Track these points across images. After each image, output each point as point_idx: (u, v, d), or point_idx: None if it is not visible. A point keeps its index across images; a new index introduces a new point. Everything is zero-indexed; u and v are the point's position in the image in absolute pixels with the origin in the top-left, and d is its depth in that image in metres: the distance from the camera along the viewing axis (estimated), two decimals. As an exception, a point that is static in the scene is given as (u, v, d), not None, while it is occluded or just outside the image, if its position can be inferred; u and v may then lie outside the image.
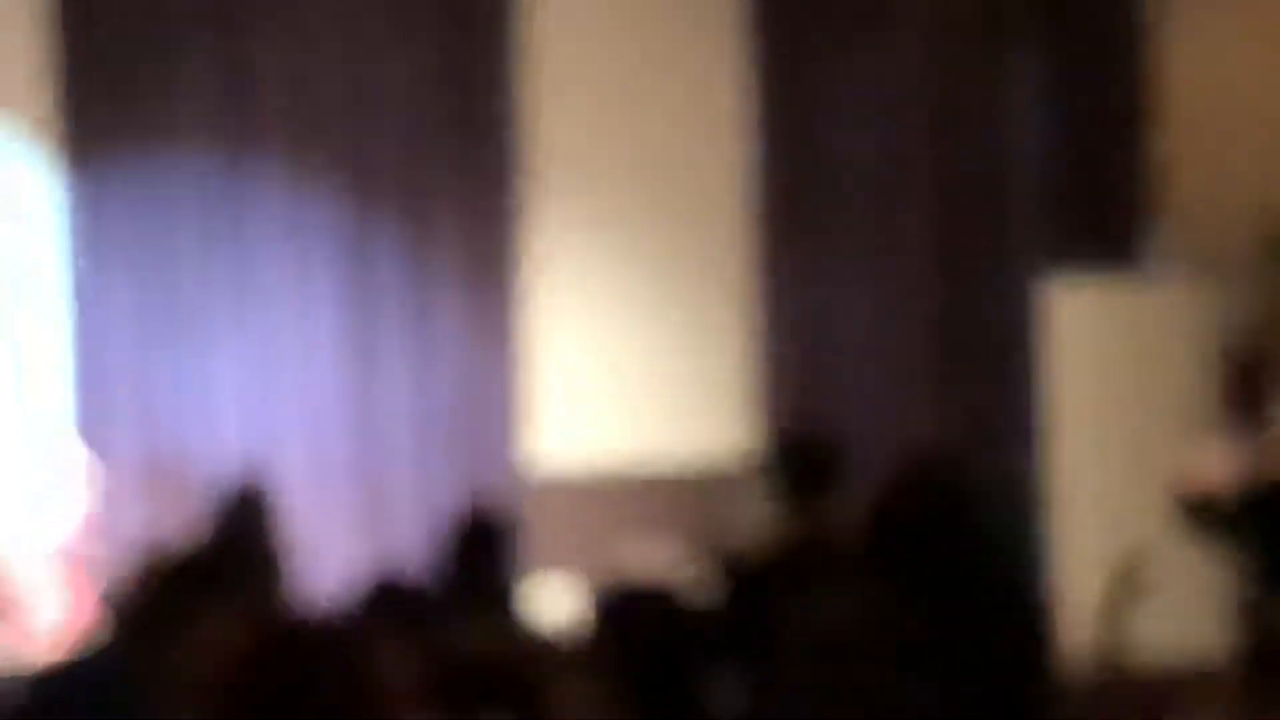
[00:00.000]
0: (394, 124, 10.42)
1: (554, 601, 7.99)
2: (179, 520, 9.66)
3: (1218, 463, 7.19)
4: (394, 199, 10.40)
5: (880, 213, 10.46)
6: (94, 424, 9.63)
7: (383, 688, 3.49)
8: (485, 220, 10.44)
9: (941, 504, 4.55)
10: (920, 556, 4.44)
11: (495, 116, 10.45)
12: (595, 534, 9.81)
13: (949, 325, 10.30)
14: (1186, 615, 7.35)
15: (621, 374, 10.55)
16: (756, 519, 9.77)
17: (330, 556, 9.23)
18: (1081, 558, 6.40)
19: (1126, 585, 6.50)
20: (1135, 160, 10.30)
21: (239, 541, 6.25)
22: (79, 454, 9.34)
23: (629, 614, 4.79)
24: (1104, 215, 10.32)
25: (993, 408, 9.87)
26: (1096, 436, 8.85)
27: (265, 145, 10.27)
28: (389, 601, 4.80)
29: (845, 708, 4.51)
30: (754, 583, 5.28)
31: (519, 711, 3.97)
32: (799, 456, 5.47)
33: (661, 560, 9.05)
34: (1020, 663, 4.08)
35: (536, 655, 4.50)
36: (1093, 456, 8.78)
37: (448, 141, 10.45)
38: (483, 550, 5.19)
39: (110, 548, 9.25)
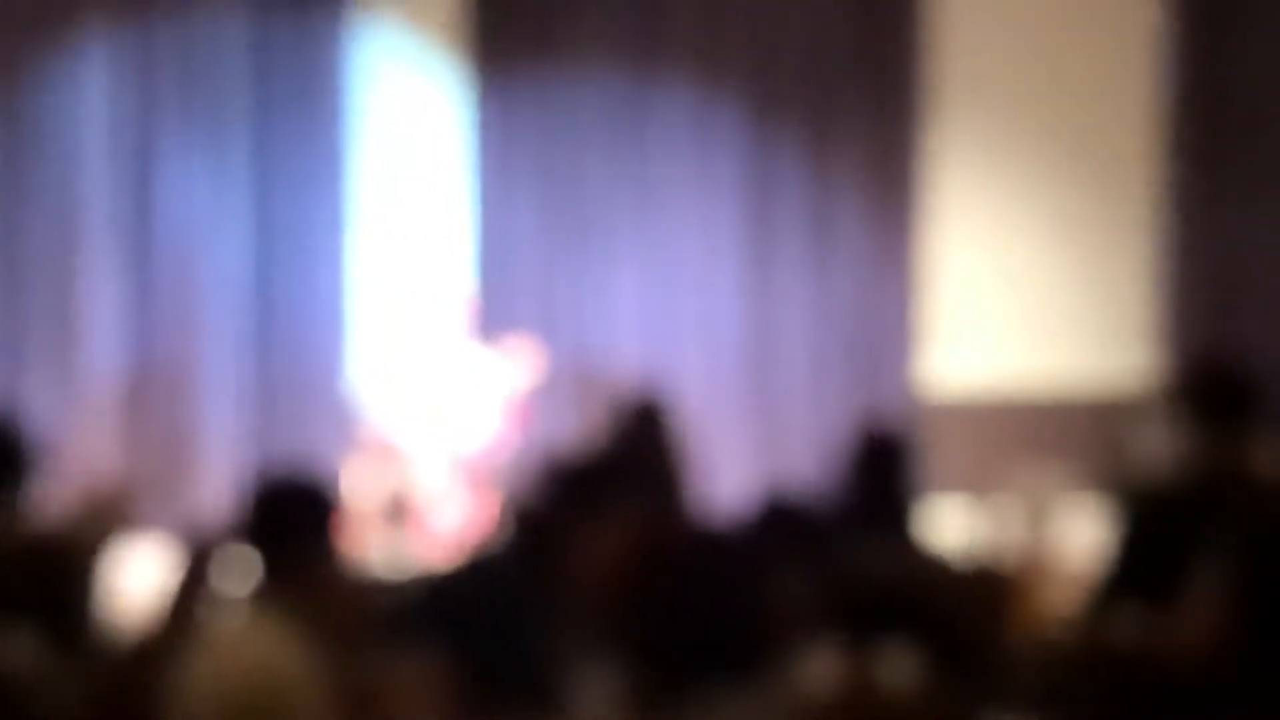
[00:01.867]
0: (799, 43, 10.37)
1: (950, 525, 7.91)
2: (579, 430, 9.81)
3: None
4: (797, 118, 10.35)
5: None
6: (497, 335, 9.78)
7: (778, 604, 3.47)
8: (887, 140, 10.35)
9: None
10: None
11: (900, 36, 10.34)
12: (991, 458, 9.69)
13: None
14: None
15: (1022, 296, 10.39)
16: (1159, 447, 9.55)
17: (722, 472, 9.27)
18: None
19: None
20: None
21: (639, 452, 6.28)
22: (484, 364, 9.51)
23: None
24: None
25: None
26: None
27: (671, 63, 10.30)
28: (785, 521, 4.78)
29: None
30: (1165, 514, 5.15)
31: (922, 640, 3.90)
32: (1217, 384, 5.28)
33: (1057, 486, 8.90)
34: None
35: (939, 581, 4.45)
36: None
37: (852, 61, 10.36)
38: (882, 471, 5.12)
39: (513, 455, 9.44)
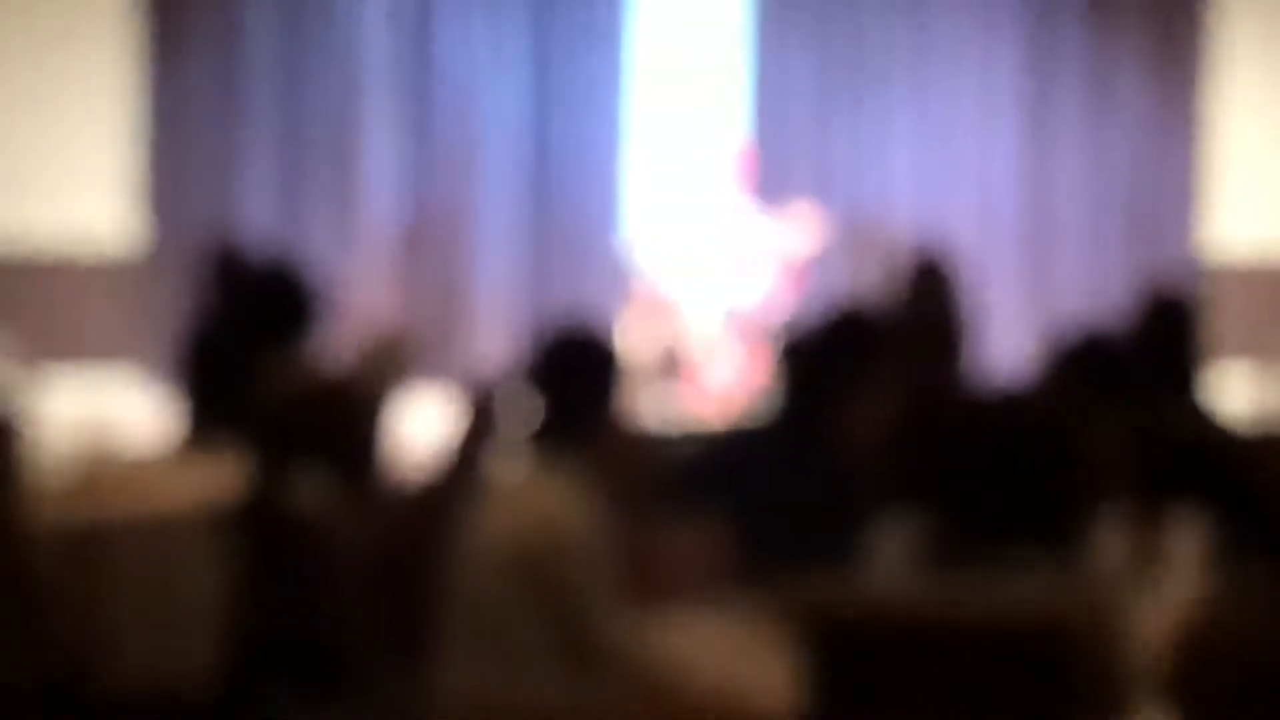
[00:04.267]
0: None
1: (1235, 391, 7.75)
2: (857, 290, 9.76)
3: None
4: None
5: None
6: (774, 195, 9.73)
7: (1080, 462, 3.41)
8: (1172, 2, 10.11)
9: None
10: None
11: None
12: (1275, 322, 9.49)
13: None
14: None
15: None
16: None
17: (997, 334, 9.18)
18: None
19: None
20: None
21: (921, 311, 6.22)
22: (762, 226, 9.48)
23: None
24: None
25: None
26: None
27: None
28: (1090, 368, 4.68)
29: None
30: None
31: (1216, 504, 3.84)
32: None
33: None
34: None
35: (1231, 446, 4.36)
36: None
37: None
38: (1168, 334, 5.01)
39: (787, 313, 9.43)
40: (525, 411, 4.01)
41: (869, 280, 9.78)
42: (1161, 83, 10.11)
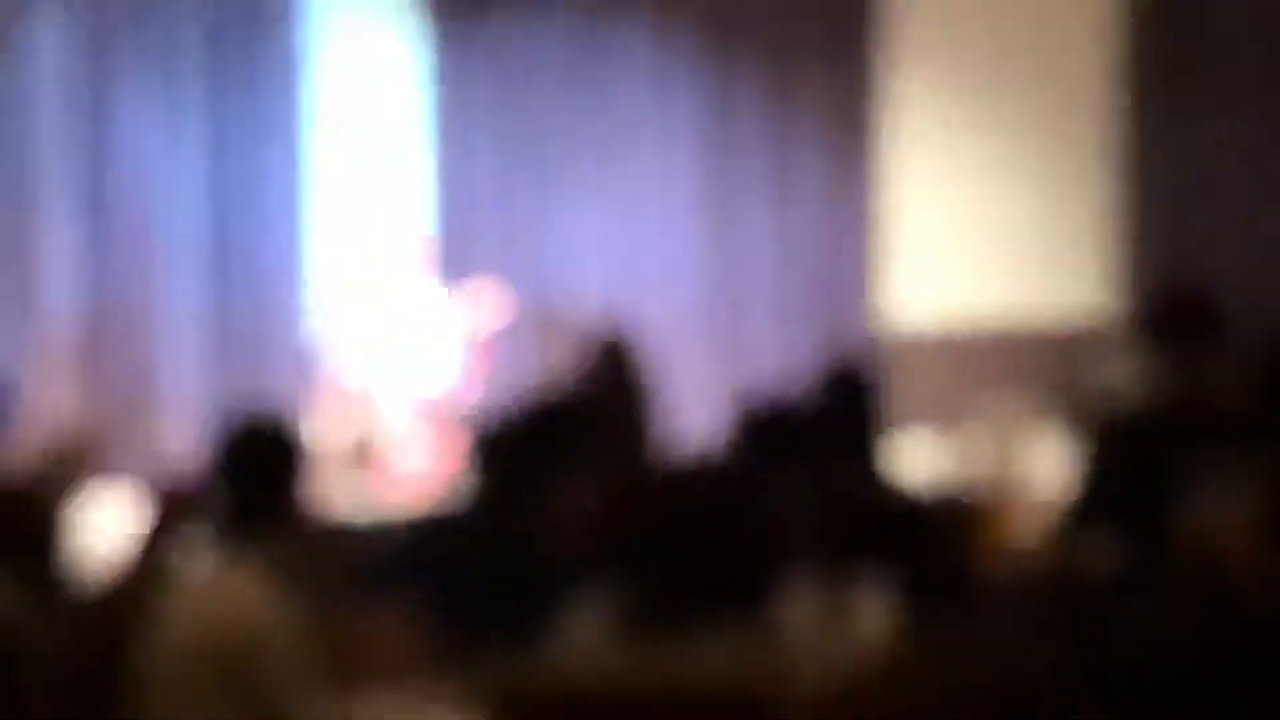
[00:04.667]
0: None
1: (914, 458, 7.93)
2: (544, 370, 9.82)
3: None
4: (756, 54, 10.35)
5: (1254, 66, 10.09)
6: (460, 278, 9.76)
7: (765, 532, 3.47)
8: (846, 75, 10.34)
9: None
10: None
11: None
12: (954, 390, 9.71)
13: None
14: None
15: (981, 230, 10.40)
16: (1122, 376, 9.59)
17: (686, 409, 9.28)
18: None
19: None
20: None
21: (607, 391, 6.27)
22: (447, 306, 9.49)
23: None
24: None
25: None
26: None
27: (629, 4, 10.29)
28: (776, 437, 4.76)
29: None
30: (1132, 440, 5.17)
31: (900, 567, 3.92)
32: (1181, 312, 5.31)
33: (1020, 417, 8.94)
34: None
35: (912, 511, 4.46)
36: None
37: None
38: (848, 405, 5.12)
39: (477, 397, 9.45)
40: (213, 504, 3.97)
41: (555, 360, 9.85)
42: (838, 160, 10.34)
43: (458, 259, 9.99)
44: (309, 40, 9.95)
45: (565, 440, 4.79)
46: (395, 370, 9.34)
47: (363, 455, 9.00)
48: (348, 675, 3.84)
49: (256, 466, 3.85)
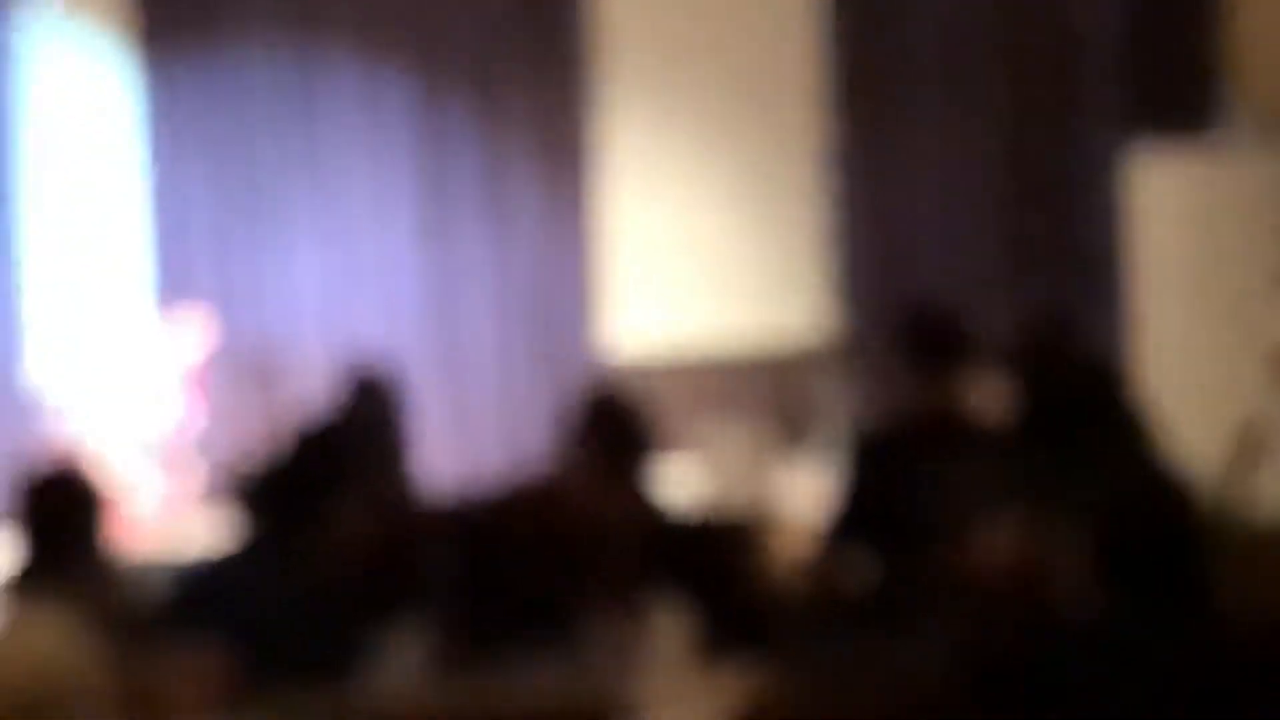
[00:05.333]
0: (463, 8, 10.40)
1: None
2: (265, 411, 9.76)
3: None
4: (466, 83, 10.38)
5: (952, 88, 10.39)
6: (176, 316, 9.66)
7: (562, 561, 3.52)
8: (558, 102, 10.42)
9: (1094, 379, 4.60)
10: (1072, 430, 4.49)
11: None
12: (676, 417, 9.83)
13: (1026, 202, 10.27)
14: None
15: (697, 255, 10.56)
16: (847, 396, 9.82)
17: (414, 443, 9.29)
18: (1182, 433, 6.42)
19: (1248, 450, 6.54)
20: (1210, 22, 10.18)
21: (361, 428, 6.28)
22: (164, 346, 9.40)
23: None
24: (1179, 81, 10.23)
25: (1073, 287, 9.84)
26: (1186, 309, 8.86)
27: (336, 36, 10.27)
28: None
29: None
30: (888, 457, 5.32)
31: (690, 590, 4.01)
32: (927, 329, 5.47)
33: (746, 442, 9.10)
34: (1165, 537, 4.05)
35: (694, 533, 4.56)
36: (1183, 329, 8.81)
37: (518, 23, 10.42)
38: (612, 433, 5.19)
39: (199, 432, 9.37)
40: (8, 553, 3.92)
41: (272, 394, 9.81)
42: (552, 187, 10.39)
43: (172, 296, 9.90)
44: (17, 74, 9.78)
45: (334, 471, 4.81)
46: (115, 411, 9.22)
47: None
48: (149, 717, 3.82)
49: (55, 513, 3.82)
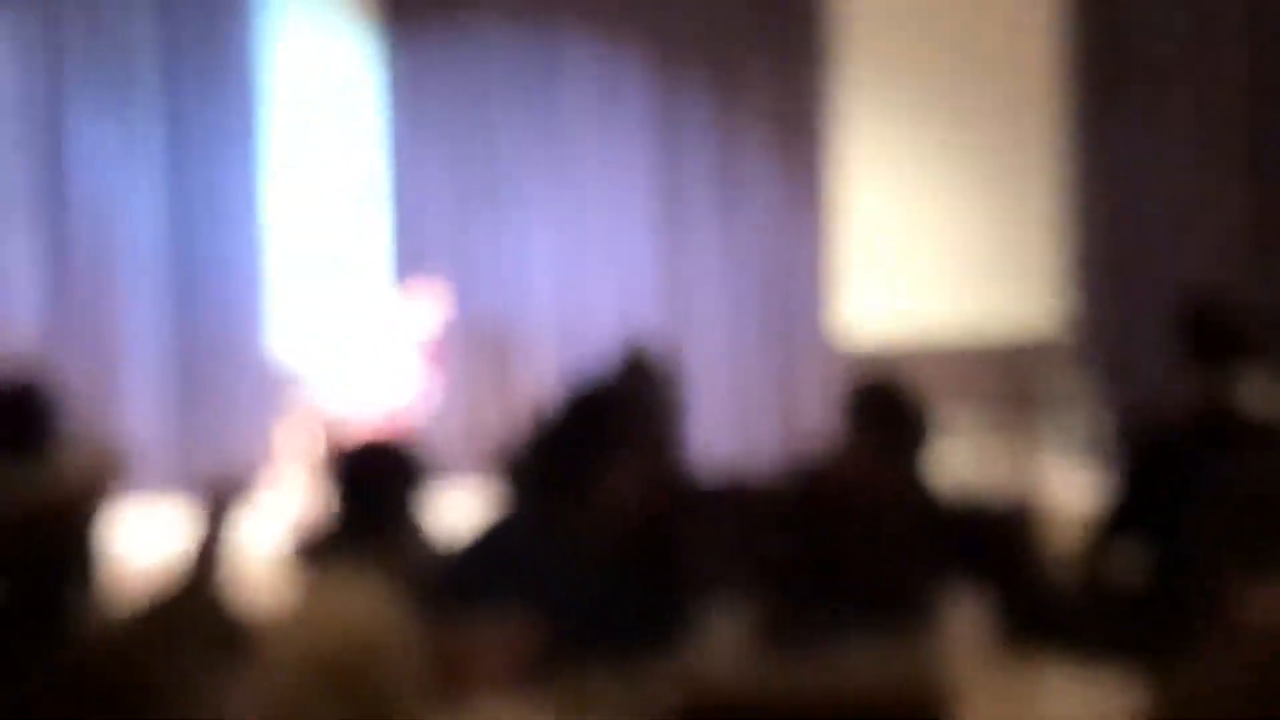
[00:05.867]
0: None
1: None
2: (497, 386, 9.85)
3: None
4: (702, 66, 10.41)
5: (1193, 88, 10.27)
6: (413, 291, 9.77)
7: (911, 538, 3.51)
8: (795, 86, 10.42)
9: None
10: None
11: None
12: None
13: (1266, 190, 10.13)
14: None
15: (932, 242, 10.51)
16: (1082, 386, 9.73)
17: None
18: None
19: None
20: None
21: (631, 403, 6.29)
22: (402, 320, 9.50)
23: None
24: None
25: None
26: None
27: (577, 16, 10.33)
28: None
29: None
30: (1166, 451, 5.27)
31: (986, 577, 3.99)
32: (1212, 324, 5.41)
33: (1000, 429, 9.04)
34: None
35: (992, 521, 4.54)
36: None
37: (758, 7, 10.43)
38: (889, 417, 5.17)
39: (434, 403, 9.49)
40: (329, 518, 3.98)
41: (504, 367, 9.89)
42: (787, 171, 10.40)
43: (411, 267, 10.02)
44: (265, 51, 9.94)
45: (603, 442, 4.81)
46: (355, 382, 9.34)
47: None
48: (460, 686, 3.87)
49: (374, 480, 3.88)
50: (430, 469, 3.98)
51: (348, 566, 3.86)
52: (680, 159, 10.38)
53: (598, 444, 4.81)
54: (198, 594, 5.02)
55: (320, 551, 3.99)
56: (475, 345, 10.05)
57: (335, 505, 3.93)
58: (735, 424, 10.15)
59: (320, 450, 9.09)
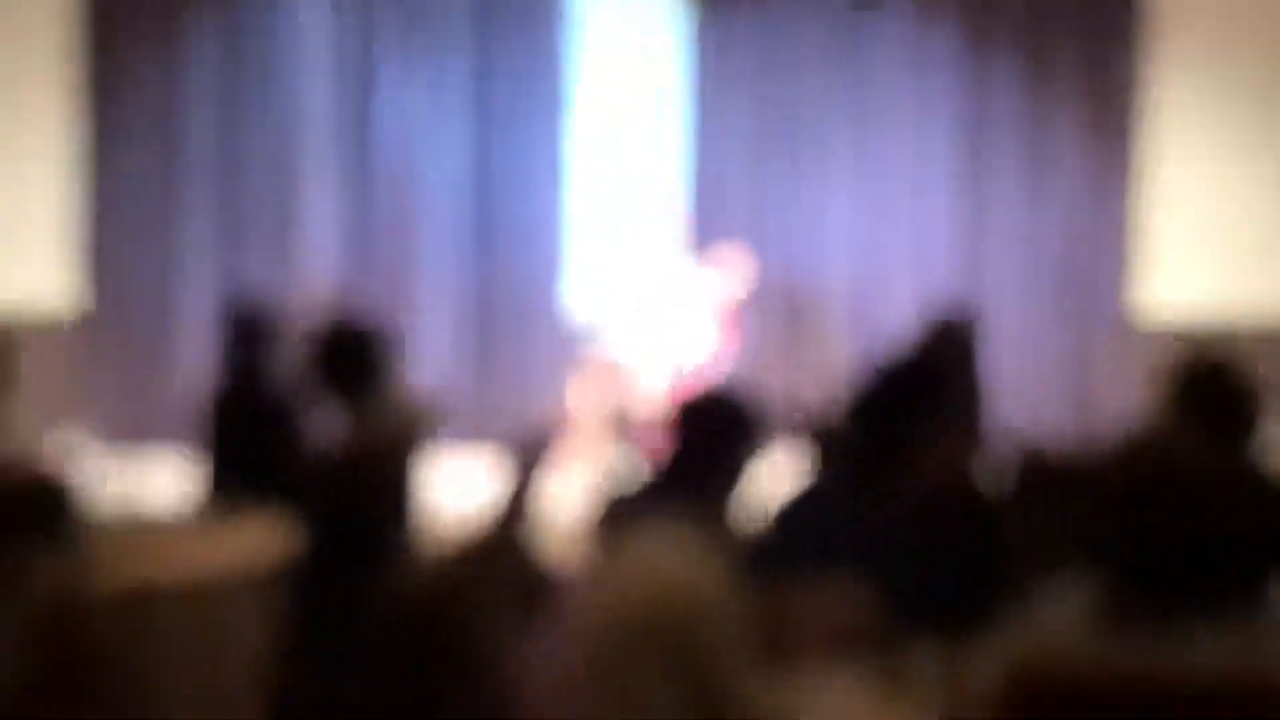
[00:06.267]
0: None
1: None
2: (790, 348, 9.80)
3: None
4: (1013, 43, 10.26)
5: None
6: (713, 253, 9.76)
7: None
8: (1104, 66, 10.24)
9: None
10: None
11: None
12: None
13: None
14: None
15: (1240, 224, 10.27)
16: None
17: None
18: None
19: None
20: None
21: (946, 368, 6.23)
22: (698, 277, 9.50)
23: None
24: None
25: None
26: None
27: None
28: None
29: None
30: None
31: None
32: None
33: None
34: None
35: None
36: None
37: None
38: (1219, 400, 5.04)
39: (728, 366, 9.47)
40: (666, 475, 3.95)
41: (797, 331, 9.84)
42: (1095, 151, 10.23)
43: (710, 234, 10.01)
44: (572, 15, 9.98)
45: (918, 409, 4.75)
46: (651, 339, 9.35)
47: (623, 425, 9.02)
48: (784, 655, 3.83)
49: (713, 434, 3.85)
50: (769, 430, 3.93)
51: (673, 523, 3.84)
52: (986, 132, 10.25)
53: (916, 414, 4.75)
54: (506, 545, 5.06)
55: (639, 506, 3.97)
56: (769, 308, 10.02)
57: (668, 457, 3.91)
58: (1029, 400, 10.00)
59: (614, 408, 9.12)
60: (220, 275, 9.56)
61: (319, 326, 5.39)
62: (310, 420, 5.51)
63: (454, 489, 7.77)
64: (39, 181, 9.48)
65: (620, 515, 4.79)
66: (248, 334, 6.01)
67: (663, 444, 3.98)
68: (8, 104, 9.42)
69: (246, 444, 5.76)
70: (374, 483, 5.09)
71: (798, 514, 4.56)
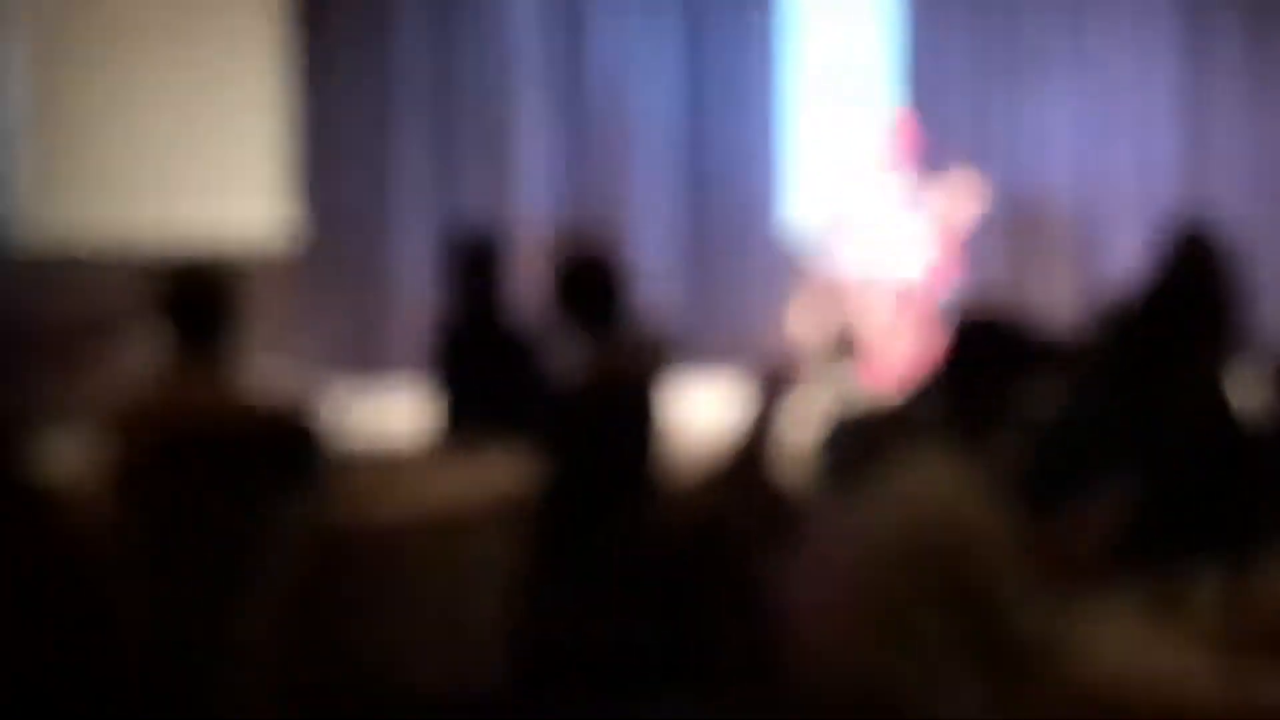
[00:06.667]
0: None
1: None
2: (1016, 265, 9.66)
3: None
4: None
5: None
6: (932, 168, 9.63)
7: None
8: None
9: None
10: None
11: None
12: None
13: None
14: None
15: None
16: None
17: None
18: None
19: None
20: None
21: (1193, 284, 6.09)
22: (923, 197, 9.36)
23: None
24: None
25: None
26: None
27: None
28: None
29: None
30: None
31: None
32: None
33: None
34: None
35: None
36: None
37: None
38: None
39: (952, 286, 9.34)
40: (930, 402, 3.87)
41: (1025, 251, 9.69)
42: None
43: (931, 148, 9.86)
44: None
45: (1173, 331, 4.64)
46: (873, 260, 9.23)
47: (847, 347, 8.92)
48: (1055, 576, 3.75)
49: (985, 363, 3.76)
50: (1042, 355, 3.83)
51: (947, 444, 3.76)
52: (1208, 37, 10.04)
53: (1176, 333, 4.65)
54: (754, 473, 5.02)
55: (905, 427, 3.90)
56: (992, 222, 9.87)
57: (936, 376, 3.82)
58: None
59: (836, 329, 9.03)
60: (436, 206, 9.57)
61: (557, 258, 5.34)
62: (549, 351, 5.48)
63: (680, 415, 7.73)
64: (253, 115, 9.52)
65: (853, 438, 4.72)
66: (477, 264, 5.98)
67: (913, 362, 3.90)
68: (221, 36, 9.46)
69: (486, 376, 5.74)
70: (621, 413, 5.06)
71: (1063, 438, 4.46)
